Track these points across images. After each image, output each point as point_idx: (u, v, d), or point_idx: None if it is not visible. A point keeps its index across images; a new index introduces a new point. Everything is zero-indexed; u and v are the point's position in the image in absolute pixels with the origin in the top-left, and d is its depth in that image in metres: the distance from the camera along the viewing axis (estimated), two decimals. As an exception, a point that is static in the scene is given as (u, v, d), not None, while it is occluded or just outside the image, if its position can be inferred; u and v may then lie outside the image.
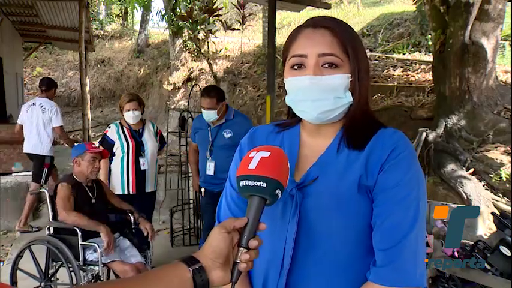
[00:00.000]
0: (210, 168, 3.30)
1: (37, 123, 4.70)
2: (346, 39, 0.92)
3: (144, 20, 14.29)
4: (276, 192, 0.81)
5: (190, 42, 10.06)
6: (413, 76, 7.30)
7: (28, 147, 4.74)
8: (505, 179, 4.44)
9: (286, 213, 0.94)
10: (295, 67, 0.93)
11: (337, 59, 0.90)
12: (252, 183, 0.80)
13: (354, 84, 0.93)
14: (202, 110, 3.27)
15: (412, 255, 0.86)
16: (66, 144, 5.09)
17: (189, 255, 0.78)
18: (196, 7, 9.28)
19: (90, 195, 2.96)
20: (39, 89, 4.96)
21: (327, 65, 0.91)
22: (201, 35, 9.51)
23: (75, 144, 4.03)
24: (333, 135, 0.97)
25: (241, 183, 0.82)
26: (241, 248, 0.79)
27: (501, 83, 5.81)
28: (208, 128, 3.33)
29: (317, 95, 0.91)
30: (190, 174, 4.86)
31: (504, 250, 2.58)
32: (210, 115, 3.23)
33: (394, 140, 0.91)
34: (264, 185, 0.80)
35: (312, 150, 0.98)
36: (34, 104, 4.80)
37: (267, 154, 0.83)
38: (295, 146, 1.00)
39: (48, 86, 4.93)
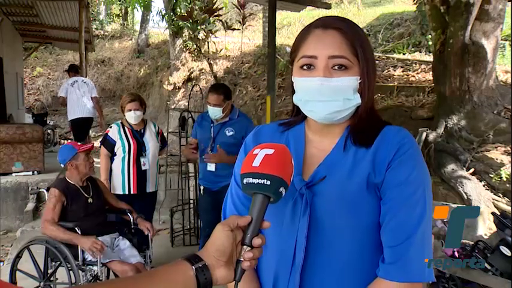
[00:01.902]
0: (211, 165, 3.30)
1: (86, 94, 6.30)
2: (356, 41, 0.92)
3: (144, 20, 14.29)
4: (280, 190, 0.80)
5: (190, 42, 10.04)
6: (413, 76, 7.30)
7: (80, 113, 6.26)
8: (505, 179, 4.44)
9: (296, 212, 0.95)
10: (305, 67, 0.94)
11: (347, 61, 0.91)
12: (255, 180, 0.80)
13: (362, 86, 0.94)
14: (208, 106, 3.28)
15: (420, 251, 0.87)
16: (99, 118, 6.64)
17: (193, 254, 0.78)
18: (197, 7, 9.27)
19: (86, 195, 2.95)
20: (73, 71, 6.66)
21: (336, 67, 0.91)
22: (201, 35, 9.50)
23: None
24: (339, 134, 0.98)
25: (244, 181, 0.82)
26: (245, 246, 0.78)
27: (501, 83, 5.81)
28: (211, 125, 3.34)
29: (327, 96, 0.92)
30: (190, 174, 4.87)
31: (504, 250, 2.58)
32: (215, 112, 3.23)
33: (400, 137, 0.92)
34: (268, 182, 0.79)
35: (319, 149, 0.99)
36: (77, 81, 6.37)
37: (271, 151, 0.82)
38: (301, 145, 1.01)
39: (77, 70, 6.84)
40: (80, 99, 6.27)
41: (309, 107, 0.95)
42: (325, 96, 0.92)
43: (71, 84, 6.30)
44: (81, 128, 6.46)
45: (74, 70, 6.69)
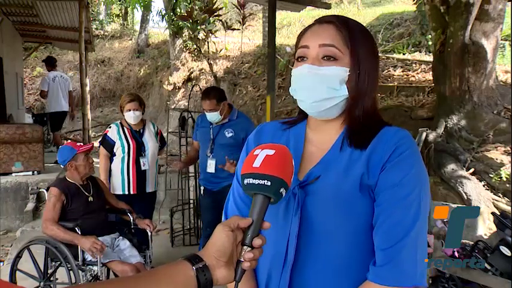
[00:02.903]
0: (211, 167, 3.30)
1: (65, 89, 7.01)
2: (349, 34, 0.93)
3: (144, 20, 14.27)
4: (280, 190, 0.80)
5: (190, 42, 10.04)
6: (413, 76, 7.29)
7: (59, 108, 6.96)
8: (505, 179, 4.44)
9: (289, 211, 0.95)
10: (299, 59, 0.96)
11: (337, 51, 0.92)
12: (256, 181, 0.80)
13: (351, 78, 0.93)
14: (205, 112, 3.27)
15: (412, 255, 0.86)
16: (72, 111, 7.42)
17: (193, 254, 0.78)
18: (197, 7, 9.26)
19: (86, 193, 2.95)
20: (51, 64, 7.11)
21: (326, 57, 0.92)
22: (201, 35, 9.49)
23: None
24: (337, 132, 0.98)
25: (245, 181, 0.82)
26: (245, 247, 0.78)
27: (501, 83, 5.81)
28: (210, 126, 3.34)
29: (311, 83, 0.92)
30: (190, 174, 4.87)
31: (504, 250, 2.58)
32: (213, 116, 3.23)
33: (397, 138, 0.91)
34: (269, 183, 0.79)
35: (317, 148, 0.99)
36: (56, 76, 6.99)
37: (271, 152, 0.82)
38: (300, 143, 1.01)
39: (55, 64, 7.27)
40: (60, 95, 6.97)
41: (298, 96, 0.97)
42: (310, 83, 0.93)
43: (52, 80, 6.92)
44: (58, 120, 7.17)
45: (51, 63, 7.15)
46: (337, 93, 0.93)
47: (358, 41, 0.93)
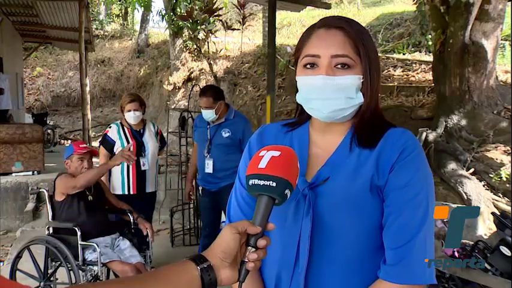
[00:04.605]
0: (209, 167, 3.29)
1: (8, 90, 7.92)
2: (358, 40, 0.92)
3: (144, 20, 14.29)
4: (285, 192, 0.80)
5: (190, 42, 10.05)
6: (413, 76, 7.30)
7: (6, 105, 7.85)
8: (505, 179, 4.44)
9: (298, 212, 0.95)
10: (308, 66, 0.94)
11: (350, 60, 0.92)
12: (261, 182, 0.80)
13: (365, 85, 0.94)
14: (201, 109, 3.28)
15: (421, 254, 0.88)
16: None
17: (198, 254, 0.78)
18: (197, 7, 9.27)
19: (87, 192, 2.95)
20: None
21: (339, 66, 0.92)
22: (201, 35, 9.50)
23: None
24: (342, 133, 0.98)
25: (250, 182, 0.82)
26: (249, 247, 0.78)
27: (501, 83, 5.82)
28: (207, 126, 3.33)
29: (329, 94, 0.92)
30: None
31: (504, 250, 2.58)
32: (208, 114, 3.23)
33: (404, 140, 0.92)
34: (274, 184, 0.79)
35: (323, 149, 0.99)
36: (7, 77, 8.02)
37: (277, 153, 0.82)
38: (305, 145, 1.01)
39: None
40: (7, 94, 7.89)
41: (312, 105, 0.96)
42: (328, 94, 0.92)
43: (5, 79, 7.86)
44: (4, 117, 7.80)
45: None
46: (353, 101, 0.93)
47: (366, 46, 0.93)
